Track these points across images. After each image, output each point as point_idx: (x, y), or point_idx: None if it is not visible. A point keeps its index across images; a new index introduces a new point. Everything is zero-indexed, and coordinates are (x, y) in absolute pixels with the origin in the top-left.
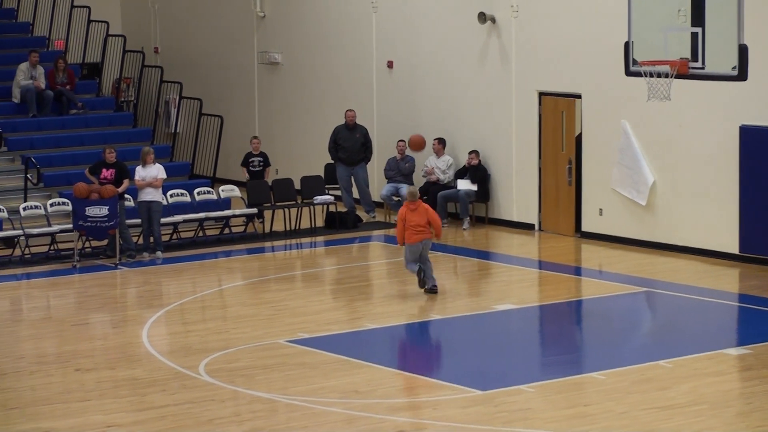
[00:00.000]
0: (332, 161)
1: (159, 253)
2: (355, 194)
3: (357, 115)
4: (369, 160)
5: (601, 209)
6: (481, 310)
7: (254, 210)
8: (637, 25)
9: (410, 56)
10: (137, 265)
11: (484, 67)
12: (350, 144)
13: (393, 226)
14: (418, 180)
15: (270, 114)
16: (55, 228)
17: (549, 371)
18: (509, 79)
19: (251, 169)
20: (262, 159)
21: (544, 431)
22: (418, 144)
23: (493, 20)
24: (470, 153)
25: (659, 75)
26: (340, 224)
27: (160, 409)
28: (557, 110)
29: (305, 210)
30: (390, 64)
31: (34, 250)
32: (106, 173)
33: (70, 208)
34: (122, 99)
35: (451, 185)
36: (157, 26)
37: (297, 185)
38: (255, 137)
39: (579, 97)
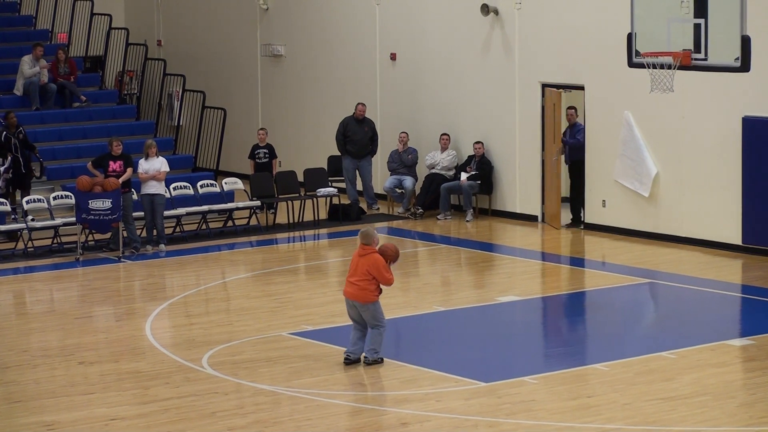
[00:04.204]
0: (337, 152)
1: (162, 246)
2: (359, 187)
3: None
4: (375, 153)
5: (604, 201)
6: (484, 301)
7: (257, 202)
8: (640, 16)
9: (413, 48)
10: (140, 258)
11: (487, 59)
12: (359, 137)
13: (396, 218)
14: (421, 172)
15: (273, 106)
16: (58, 221)
17: (552, 363)
18: (512, 70)
19: (257, 161)
20: (267, 151)
21: (547, 423)
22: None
23: (496, 12)
24: (476, 143)
25: (662, 66)
26: (344, 216)
27: (163, 401)
28: (558, 101)
29: (308, 202)
30: (393, 57)
31: (37, 243)
32: (114, 165)
33: (73, 201)
34: (125, 92)
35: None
36: (160, 19)
37: (300, 177)
38: (261, 129)
39: (582, 88)
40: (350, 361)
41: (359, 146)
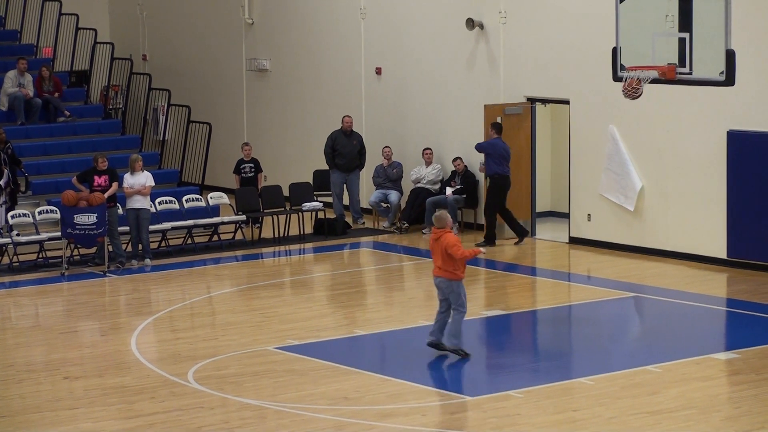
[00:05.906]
0: (323, 167)
1: (148, 261)
2: (345, 201)
3: None
4: (363, 167)
5: (589, 215)
6: (469, 316)
7: (243, 217)
8: (625, 30)
9: (399, 63)
10: (126, 273)
11: (473, 73)
12: (348, 150)
13: (381, 232)
14: (407, 186)
15: (258, 121)
16: (43, 236)
17: (538, 377)
18: (498, 85)
19: (243, 175)
20: (253, 165)
21: None
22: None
23: (482, 26)
24: (455, 159)
25: (647, 80)
26: (329, 231)
27: (148, 416)
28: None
29: (294, 217)
30: (378, 71)
31: (22, 258)
32: (99, 180)
33: (58, 215)
34: (110, 106)
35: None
36: (145, 33)
37: (286, 192)
38: (246, 144)
39: (567, 102)
40: (433, 345)
41: (348, 160)
